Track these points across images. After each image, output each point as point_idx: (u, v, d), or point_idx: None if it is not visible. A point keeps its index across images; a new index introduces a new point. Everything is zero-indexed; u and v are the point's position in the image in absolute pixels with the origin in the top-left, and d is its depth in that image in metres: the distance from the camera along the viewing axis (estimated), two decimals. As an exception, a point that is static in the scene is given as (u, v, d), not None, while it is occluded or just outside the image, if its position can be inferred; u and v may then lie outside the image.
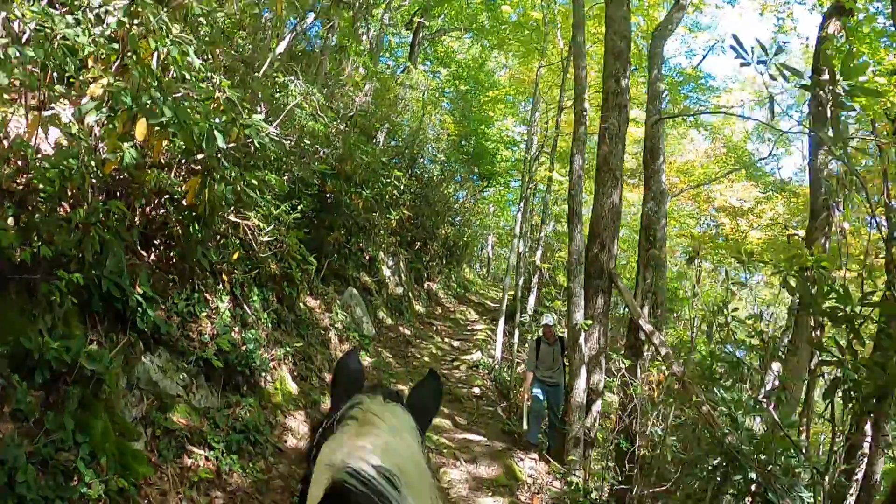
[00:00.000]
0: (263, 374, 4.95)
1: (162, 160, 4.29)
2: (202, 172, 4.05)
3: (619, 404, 5.99)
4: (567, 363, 6.86)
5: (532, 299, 11.31)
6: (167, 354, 3.99)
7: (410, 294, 12.73)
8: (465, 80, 20.74)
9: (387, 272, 11.98)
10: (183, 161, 4.33)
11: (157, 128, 3.40)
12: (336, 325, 7.81)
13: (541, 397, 6.85)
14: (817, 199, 7.62)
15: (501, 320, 9.81)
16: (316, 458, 0.97)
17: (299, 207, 6.95)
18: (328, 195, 8.88)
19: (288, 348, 5.65)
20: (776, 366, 5.24)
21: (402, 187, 11.41)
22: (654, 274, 6.09)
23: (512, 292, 11.60)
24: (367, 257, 11.56)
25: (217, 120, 3.72)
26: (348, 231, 10.29)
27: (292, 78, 6.82)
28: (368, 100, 14.34)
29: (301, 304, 7.31)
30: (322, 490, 0.87)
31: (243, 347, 4.61)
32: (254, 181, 4.42)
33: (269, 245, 6.65)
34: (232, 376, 4.49)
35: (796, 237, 13.18)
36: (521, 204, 11.06)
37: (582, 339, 5.14)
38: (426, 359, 9.69)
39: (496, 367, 9.46)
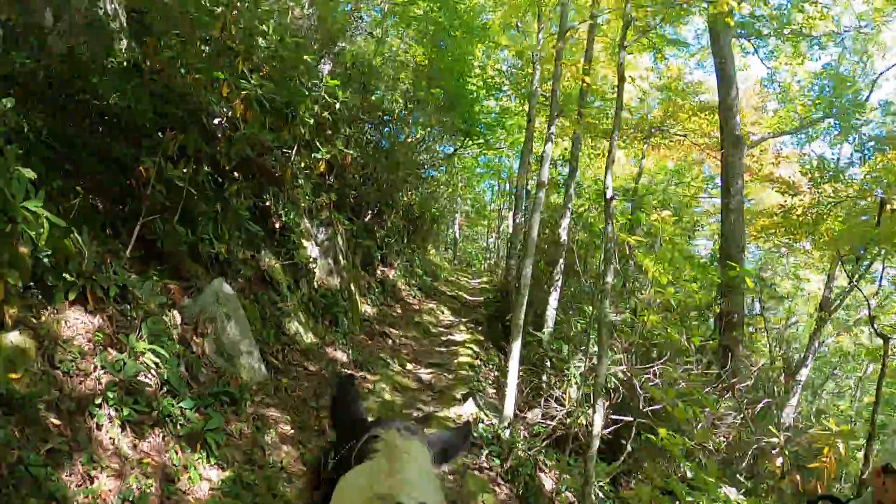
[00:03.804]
0: None
1: None
2: None
3: None
4: None
5: (554, 298, 6.77)
6: None
7: (353, 286, 7.99)
8: (438, 14, 15.83)
9: (313, 251, 7.19)
10: None
11: None
12: (120, 384, 3.00)
13: None
14: None
15: (517, 344, 5.11)
16: (334, 484, 1.06)
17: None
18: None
19: None
20: None
21: (337, 106, 6.59)
22: None
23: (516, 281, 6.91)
24: (277, 224, 6.73)
25: None
26: (224, 163, 5.37)
27: None
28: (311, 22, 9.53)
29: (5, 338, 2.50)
30: None
31: None
32: None
33: None
34: None
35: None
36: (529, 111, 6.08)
37: None
38: (370, 419, 4.98)
39: (506, 435, 4.84)
